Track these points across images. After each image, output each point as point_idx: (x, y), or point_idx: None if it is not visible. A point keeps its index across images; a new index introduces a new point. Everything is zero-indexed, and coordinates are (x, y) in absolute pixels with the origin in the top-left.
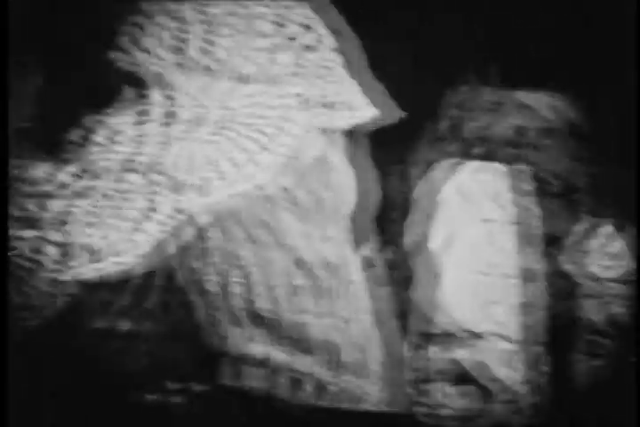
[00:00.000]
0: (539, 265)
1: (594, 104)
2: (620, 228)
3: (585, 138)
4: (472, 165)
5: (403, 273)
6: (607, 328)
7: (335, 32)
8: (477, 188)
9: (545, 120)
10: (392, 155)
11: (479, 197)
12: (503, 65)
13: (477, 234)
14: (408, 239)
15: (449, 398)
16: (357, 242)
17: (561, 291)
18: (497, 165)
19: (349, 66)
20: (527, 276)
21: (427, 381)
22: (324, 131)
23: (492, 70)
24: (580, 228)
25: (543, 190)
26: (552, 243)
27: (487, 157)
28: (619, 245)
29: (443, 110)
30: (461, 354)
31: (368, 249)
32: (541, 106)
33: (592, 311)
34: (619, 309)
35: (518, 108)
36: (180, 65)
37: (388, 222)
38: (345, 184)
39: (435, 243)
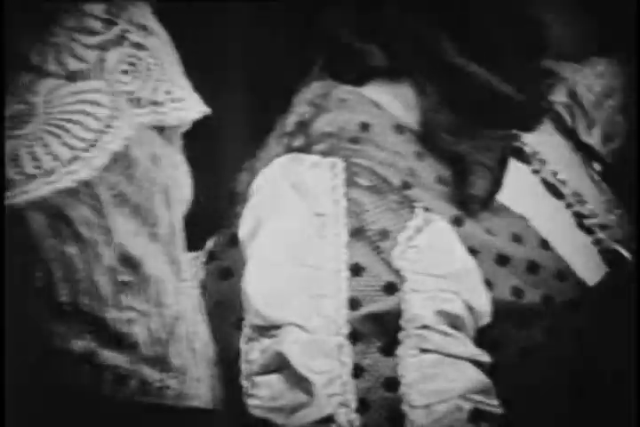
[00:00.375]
0: (369, 260)
1: (444, 102)
2: (455, 223)
3: (429, 135)
4: (310, 160)
5: (239, 266)
6: (436, 323)
7: (167, 30)
8: (313, 182)
9: (390, 117)
10: (246, 150)
11: (314, 192)
12: (353, 61)
13: (308, 227)
14: (241, 232)
15: (278, 390)
16: (195, 239)
17: (390, 285)
18: (335, 160)
19: (181, 63)
20: (356, 270)
21: (258, 373)
22: (157, 128)
23: (343, 66)
24: (413, 223)
25: (380, 186)
26: (384, 238)
27: (328, 152)
28: (452, 240)
29: (293, 106)
30: (289, 347)
31: (212, 244)
32: (388, 102)
33: (420, 306)
34: (448, 304)
35: (365, 104)
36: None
37: (236, 217)
38: (179, 181)
39: (265, 236)
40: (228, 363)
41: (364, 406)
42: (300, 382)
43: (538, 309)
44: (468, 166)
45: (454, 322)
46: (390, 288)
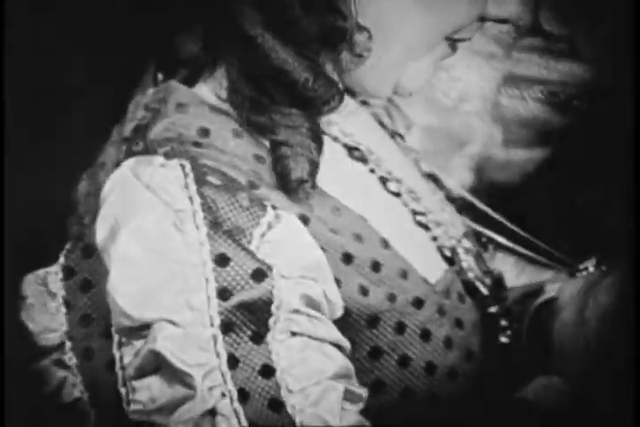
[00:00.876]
0: (233, 250)
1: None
2: (302, 222)
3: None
4: (158, 161)
5: (99, 275)
6: (302, 306)
7: None
8: (166, 180)
9: (227, 120)
10: (83, 157)
11: (168, 189)
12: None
13: (167, 224)
14: (99, 238)
15: (158, 390)
16: (44, 254)
17: (258, 272)
18: (183, 161)
19: None
20: (221, 260)
21: (135, 377)
22: None
23: (176, 72)
24: (265, 219)
25: (230, 185)
26: (240, 234)
27: (172, 155)
28: (304, 234)
29: (130, 112)
30: (162, 343)
31: (63, 259)
32: (217, 99)
33: (287, 291)
34: (310, 290)
35: (202, 108)
36: None
37: (84, 227)
38: None
39: (124, 236)
40: (102, 375)
41: (244, 395)
42: (179, 377)
43: (384, 307)
44: (285, 153)
45: (317, 307)
46: (259, 275)
